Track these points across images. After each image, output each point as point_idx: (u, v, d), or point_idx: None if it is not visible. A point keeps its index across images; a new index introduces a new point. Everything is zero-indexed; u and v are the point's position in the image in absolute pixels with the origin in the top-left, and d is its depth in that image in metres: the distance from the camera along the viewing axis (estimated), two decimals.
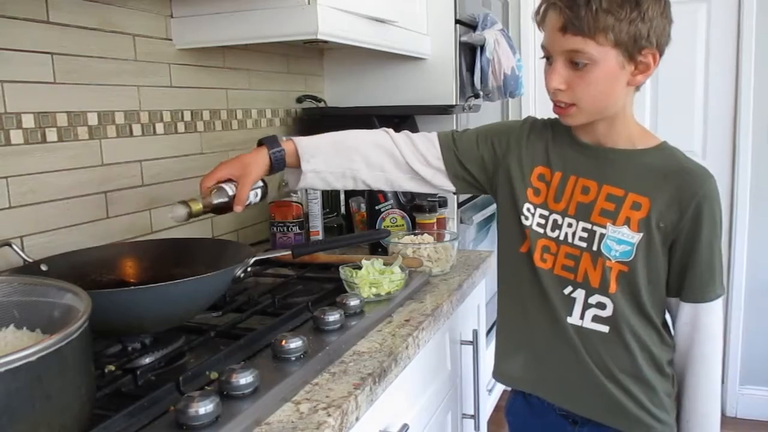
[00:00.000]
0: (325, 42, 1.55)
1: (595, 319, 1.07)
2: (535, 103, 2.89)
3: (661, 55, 1.01)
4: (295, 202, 1.61)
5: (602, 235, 1.04)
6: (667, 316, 1.10)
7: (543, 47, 1.03)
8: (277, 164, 1.14)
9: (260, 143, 1.15)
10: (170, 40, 1.49)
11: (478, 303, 1.67)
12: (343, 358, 1.02)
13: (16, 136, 1.13)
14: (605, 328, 1.06)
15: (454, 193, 1.29)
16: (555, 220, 1.09)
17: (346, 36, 1.52)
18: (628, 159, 1.05)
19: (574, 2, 0.96)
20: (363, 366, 0.99)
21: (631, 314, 1.05)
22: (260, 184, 1.16)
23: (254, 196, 1.15)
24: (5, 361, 0.55)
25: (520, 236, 1.12)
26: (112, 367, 0.91)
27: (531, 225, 1.10)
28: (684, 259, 1.04)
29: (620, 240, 1.03)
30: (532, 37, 2.82)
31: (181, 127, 1.53)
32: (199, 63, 1.58)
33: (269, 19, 1.42)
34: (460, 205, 2.09)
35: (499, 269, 1.20)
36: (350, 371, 0.97)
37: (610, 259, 1.04)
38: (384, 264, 1.33)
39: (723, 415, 2.85)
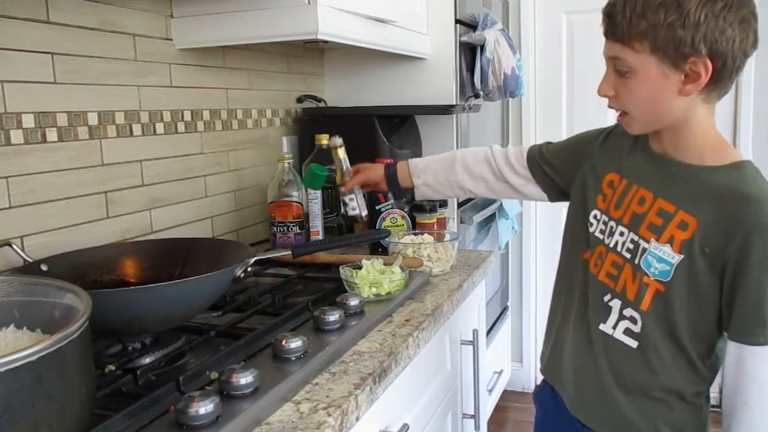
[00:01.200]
0: (326, 42, 1.55)
1: (627, 332, 1.03)
2: (536, 103, 2.89)
3: (721, 64, 0.91)
4: (296, 202, 1.61)
5: (644, 250, 1.00)
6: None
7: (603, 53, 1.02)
8: (389, 177, 1.39)
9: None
10: (170, 40, 1.49)
11: (478, 303, 1.67)
12: (344, 358, 1.02)
13: (16, 136, 1.13)
14: (634, 344, 1.03)
15: (550, 201, 1.29)
16: (611, 227, 1.06)
17: (346, 36, 1.52)
18: (689, 174, 0.98)
19: (614, 8, 0.94)
20: (363, 366, 0.99)
21: (660, 336, 1.00)
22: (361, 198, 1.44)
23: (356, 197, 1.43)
24: (5, 361, 0.55)
25: (584, 242, 1.11)
26: (112, 367, 0.91)
27: (594, 231, 1.09)
28: (731, 292, 0.95)
29: (660, 258, 0.98)
30: (532, 37, 2.82)
31: (181, 127, 1.53)
32: (200, 63, 1.58)
33: (269, 19, 1.42)
34: (460, 205, 2.10)
35: (559, 270, 1.20)
36: (350, 371, 0.97)
37: (648, 275, 0.99)
38: (384, 264, 1.33)
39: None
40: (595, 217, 1.09)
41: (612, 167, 1.10)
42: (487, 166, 1.32)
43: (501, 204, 2.37)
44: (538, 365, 1.26)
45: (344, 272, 1.28)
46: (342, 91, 2.16)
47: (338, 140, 1.43)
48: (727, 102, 2.69)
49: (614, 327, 1.05)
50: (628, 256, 1.02)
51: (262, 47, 1.79)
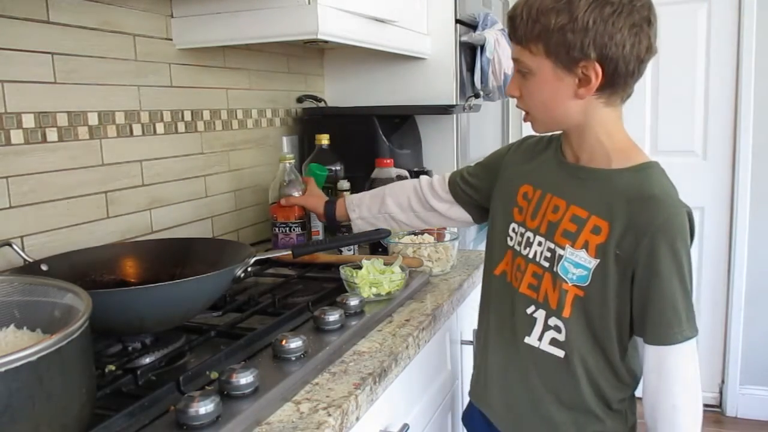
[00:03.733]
0: (326, 42, 1.55)
1: (553, 342, 1.02)
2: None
3: (612, 68, 0.92)
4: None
5: (560, 256, 1.00)
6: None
7: None
8: (328, 213, 1.44)
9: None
10: (170, 39, 1.49)
11: (478, 303, 1.66)
12: (344, 358, 1.02)
13: (16, 135, 1.13)
14: (561, 353, 1.02)
15: (476, 223, 1.30)
16: (528, 238, 1.06)
17: (346, 36, 1.51)
18: (597, 179, 0.99)
19: (515, 11, 0.97)
20: (363, 366, 0.99)
21: (584, 343, 1.00)
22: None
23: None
24: (6, 361, 0.55)
25: (501, 257, 1.12)
26: (112, 367, 0.91)
27: (513, 244, 1.09)
28: (643, 295, 0.95)
29: (577, 264, 0.98)
30: None
31: (181, 127, 1.53)
32: (200, 63, 1.58)
33: (269, 19, 1.42)
34: None
35: (482, 288, 1.20)
36: (350, 371, 0.97)
37: (566, 282, 0.99)
38: (384, 264, 1.33)
39: (723, 415, 2.85)
40: (513, 230, 1.09)
41: (525, 179, 1.10)
42: (414, 196, 1.34)
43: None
44: None
45: (344, 272, 1.28)
46: (342, 91, 2.16)
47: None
48: (727, 102, 2.70)
49: (540, 338, 1.04)
50: (547, 264, 1.02)
51: (262, 47, 1.79)
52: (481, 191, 1.24)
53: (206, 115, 1.61)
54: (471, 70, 2.12)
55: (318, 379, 0.95)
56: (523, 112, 1.05)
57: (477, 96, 2.11)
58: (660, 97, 2.76)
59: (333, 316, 1.09)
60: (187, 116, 1.55)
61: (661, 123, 2.78)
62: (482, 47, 2.07)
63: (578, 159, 1.03)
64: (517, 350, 1.07)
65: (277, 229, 1.54)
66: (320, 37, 1.39)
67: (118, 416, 0.78)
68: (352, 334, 1.09)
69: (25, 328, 0.74)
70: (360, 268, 1.30)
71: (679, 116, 2.76)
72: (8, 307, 0.75)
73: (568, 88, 0.95)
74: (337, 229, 1.53)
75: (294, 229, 1.53)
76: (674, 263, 0.93)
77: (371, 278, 1.26)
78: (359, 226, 1.40)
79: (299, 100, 2.02)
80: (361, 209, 1.39)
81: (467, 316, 1.54)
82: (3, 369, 0.55)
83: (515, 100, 1.05)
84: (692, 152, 2.79)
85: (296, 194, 1.52)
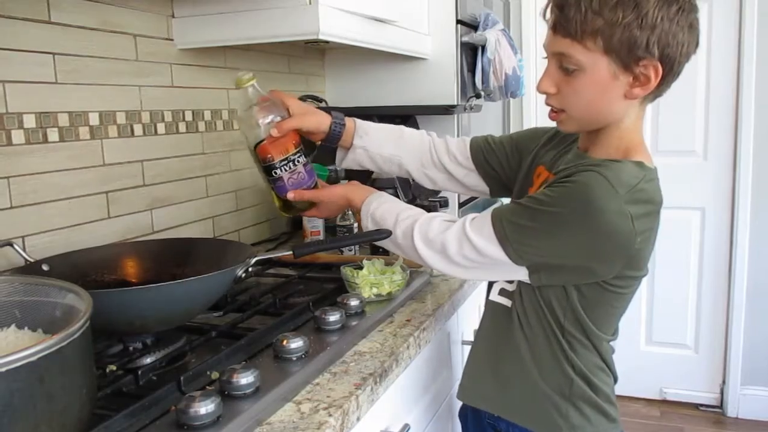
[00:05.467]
0: (327, 42, 1.55)
1: (502, 292, 1.10)
2: (537, 103, 2.89)
3: (669, 68, 0.91)
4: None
5: None
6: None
7: (543, 47, 1.00)
8: (333, 134, 1.19)
9: (327, 111, 1.20)
10: (171, 40, 1.49)
11: (479, 303, 1.66)
12: (345, 358, 1.02)
13: (17, 136, 1.13)
14: (508, 303, 1.08)
15: (491, 196, 1.28)
16: None
17: (347, 36, 1.51)
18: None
19: (567, 1, 0.90)
20: (364, 366, 0.99)
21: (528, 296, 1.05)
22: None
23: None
24: (6, 361, 0.55)
25: None
26: (113, 367, 0.91)
27: None
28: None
29: None
30: (534, 37, 2.82)
31: (182, 127, 1.53)
32: (201, 63, 1.58)
33: (270, 20, 1.42)
34: (461, 205, 2.09)
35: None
36: (351, 371, 0.97)
37: None
38: (385, 264, 1.33)
39: (724, 415, 2.84)
40: None
41: (544, 161, 1.10)
42: (427, 153, 1.26)
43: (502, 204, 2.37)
44: None
45: (345, 272, 1.28)
46: (343, 91, 2.16)
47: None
48: (728, 101, 2.69)
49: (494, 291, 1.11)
50: None
51: (263, 47, 1.79)
52: (506, 166, 1.21)
53: (207, 115, 1.61)
54: (472, 70, 2.12)
55: (319, 380, 0.95)
56: (549, 110, 1.00)
57: (478, 96, 2.11)
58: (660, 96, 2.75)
59: (334, 317, 1.09)
60: (188, 116, 1.55)
61: (661, 123, 2.77)
62: (483, 47, 2.06)
63: (587, 149, 1.02)
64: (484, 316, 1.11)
65: (277, 171, 1.13)
66: (321, 37, 1.39)
67: (119, 416, 0.78)
68: (353, 335, 1.09)
69: (26, 328, 0.74)
70: (361, 268, 1.30)
71: (679, 116, 2.76)
72: (9, 307, 0.75)
73: (621, 87, 0.92)
74: (314, 152, 1.28)
75: (299, 162, 1.15)
76: (548, 196, 0.93)
77: (372, 278, 1.26)
78: (358, 157, 1.23)
79: (301, 100, 2.02)
80: (371, 140, 1.22)
81: (468, 316, 1.54)
82: (4, 369, 0.55)
83: (536, 96, 1.03)
84: (693, 152, 2.78)
85: (279, 119, 1.13)
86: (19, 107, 1.14)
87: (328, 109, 1.23)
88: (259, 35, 1.45)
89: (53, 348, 0.59)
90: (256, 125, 1.12)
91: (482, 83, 2.10)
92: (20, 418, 0.57)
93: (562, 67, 0.94)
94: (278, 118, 1.12)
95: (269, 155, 1.12)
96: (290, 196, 1.15)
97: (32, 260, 1.06)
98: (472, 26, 2.12)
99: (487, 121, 2.46)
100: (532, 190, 1.08)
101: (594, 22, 0.88)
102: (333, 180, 1.68)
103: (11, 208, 1.13)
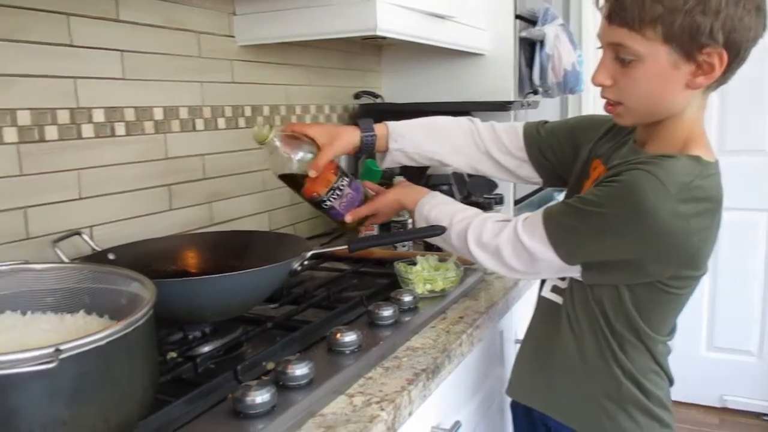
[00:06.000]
0: (384, 38, 1.55)
1: (554, 289, 1.08)
2: (595, 99, 2.82)
3: (734, 54, 0.86)
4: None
5: None
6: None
7: (597, 37, 0.96)
8: (366, 147, 1.18)
9: (355, 123, 1.19)
10: (233, 37, 1.52)
11: (534, 301, 1.64)
12: (397, 354, 1.03)
13: (87, 130, 1.18)
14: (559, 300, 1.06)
15: (543, 186, 1.26)
16: None
17: (404, 32, 1.52)
18: None
19: None
20: (416, 362, 0.99)
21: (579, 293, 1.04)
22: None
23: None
24: (77, 345, 0.58)
25: None
26: (173, 354, 0.94)
27: None
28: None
29: None
30: (594, 32, 2.76)
31: (242, 122, 1.56)
32: (260, 59, 1.61)
33: (329, 16, 1.43)
34: (516, 202, 2.07)
35: None
36: (404, 366, 0.98)
37: None
38: (439, 260, 1.32)
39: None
40: None
41: (600, 153, 1.06)
42: (471, 144, 1.22)
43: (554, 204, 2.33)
44: None
45: (399, 268, 1.28)
46: (399, 87, 2.17)
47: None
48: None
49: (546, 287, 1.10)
50: None
51: (321, 44, 1.81)
52: (561, 156, 1.18)
53: (266, 110, 1.64)
54: (530, 66, 2.09)
55: (371, 374, 0.95)
56: (604, 102, 0.98)
57: (535, 92, 2.08)
58: (728, 91, 2.65)
59: (387, 312, 1.10)
60: (248, 111, 1.58)
61: (728, 121, 2.67)
62: (542, 43, 2.03)
63: (644, 144, 0.99)
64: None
65: (327, 203, 1.16)
66: (379, 33, 1.40)
67: (179, 402, 0.80)
68: (406, 330, 1.09)
69: (94, 314, 0.77)
70: (414, 264, 1.30)
71: (748, 113, 2.65)
72: (79, 293, 0.79)
73: (682, 77, 0.88)
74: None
75: (344, 186, 1.16)
76: (599, 192, 0.91)
77: (425, 275, 1.26)
78: (395, 159, 1.21)
79: (356, 96, 2.03)
80: (405, 141, 1.20)
81: (522, 315, 1.52)
82: (74, 352, 0.57)
83: (592, 89, 0.99)
84: (762, 151, 2.67)
85: (310, 156, 1.12)
86: (89, 102, 1.18)
87: (355, 121, 1.22)
88: (317, 31, 1.47)
89: (119, 334, 0.62)
90: (288, 167, 1.13)
91: (540, 79, 2.07)
92: (89, 399, 0.60)
93: (618, 57, 0.91)
94: (309, 155, 1.12)
95: (315, 193, 1.15)
96: (348, 219, 1.17)
97: (99, 249, 1.10)
98: (531, 21, 2.08)
99: (545, 117, 2.42)
100: (589, 183, 1.06)
101: (653, 10, 0.85)
102: (388, 176, 1.68)
103: (80, 199, 1.18)
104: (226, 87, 1.51)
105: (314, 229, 1.84)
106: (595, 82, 0.95)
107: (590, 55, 2.74)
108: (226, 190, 1.52)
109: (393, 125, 1.21)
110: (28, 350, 0.56)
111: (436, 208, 1.10)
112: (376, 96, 2.07)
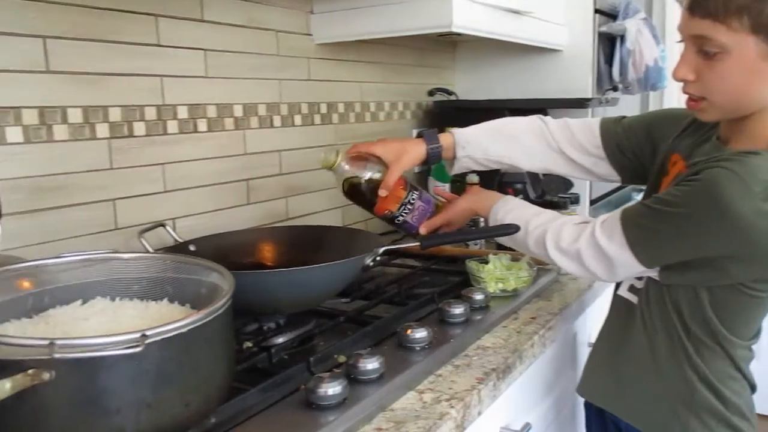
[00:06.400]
0: (459, 34, 1.54)
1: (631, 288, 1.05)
2: (679, 96, 2.71)
3: None
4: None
5: None
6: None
7: (678, 29, 0.92)
8: (432, 159, 1.17)
9: (419, 135, 1.19)
10: (310, 35, 1.55)
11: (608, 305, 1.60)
12: (467, 352, 1.02)
13: (172, 126, 1.23)
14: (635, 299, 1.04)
15: (622, 184, 1.22)
16: None
17: (480, 28, 1.50)
18: None
19: None
20: (487, 361, 0.99)
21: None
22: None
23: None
24: (161, 331, 0.60)
25: None
26: (249, 344, 0.97)
27: None
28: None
29: None
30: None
31: (317, 119, 1.59)
32: (336, 57, 1.64)
33: (405, 13, 1.44)
34: (593, 202, 2.02)
35: None
36: (474, 365, 0.97)
37: None
38: (511, 260, 1.31)
39: None
40: None
41: (680, 149, 1.02)
42: (543, 144, 1.18)
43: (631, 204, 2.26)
44: None
45: (471, 266, 1.27)
46: (473, 84, 2.15)
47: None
48: None
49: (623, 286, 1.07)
50: None
51: (395, 41, 1.82)
52: (640, 152, 1.14)
53: (341, 107, 1.67)
54: (609, 62, 2.03)
55: (441, 371, 0.95)
56: (687, 98, 0.94)
57: (615, 89, 2.02)
58: None
59: (458, 309, 1.10)
60: (323, 109, 1.61)
61: None
62: (622, 38, 1.97)
63: (728, 140, 0.94)
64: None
65: (400, 218, 1.17)
66: (454, 29, 1.39)
67: (254, 390, 0.82)
68: (477, 329, 1.09)
69: (176, 302, 0.80)
70: (487, 262, 1.29)
71: None
72: (163, 282, 0.82)
73: None
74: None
75: (414, 199, 1.16)
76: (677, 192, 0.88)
77: (498, 273, 1.25)
78: (464, 165, 1.20)
79: (430, 93, 2.03)
80: (473, 148, 1.18)
81: (597, 317, 1.48)
82: (159, 338, 0.60)
83: (675, 84, 0.95)
84: None
85: (378, 175, 1.13)
86: (174, 99, 1.23)
87: (420, 133, 1.20)
88: (393, 29, 1.48)
89: (200, 322, 0.64)
90: (365, 197, 1.15)
91: (620, 75, 2.01)
92: (171, 383, 0.63)
93: (701, 50, 0.87)
94: (377, 174, 1.13)
95: (387, 211, 1.16)
96: (422, 231, 1.16)
97: (181, 240, 1.15)
98: (611, 16, 2.02)
99: (624, 114, 2.35)
100: (667, 180, 1.02)
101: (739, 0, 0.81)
102: (460, 175, 1.67)
103: (164, 192, 1.23)
104: (302, 84, 1.54)
105: (387, 226, 1.84)
106: (676, 77, 0.92)
107: (675, 50, 2.63)
108: (302, 185, 1.56)
109: (459, 132, 1.19)
110: (117, 334, 0.59)
111: (510, 213, 1.09)
112: (450, 93, 2.07)
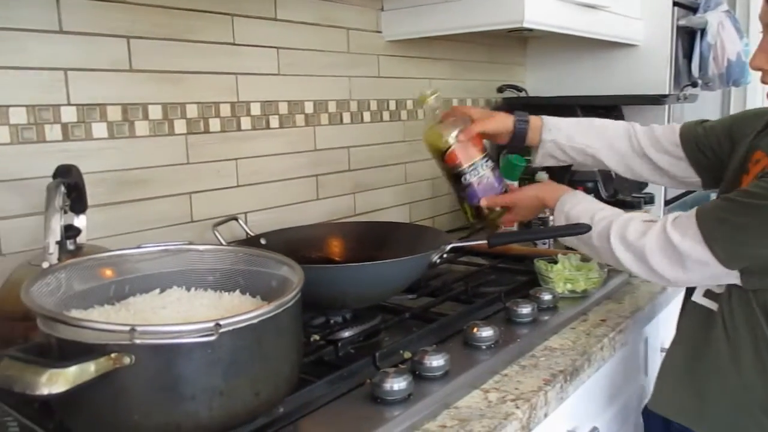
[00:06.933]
0: (530, 30, 1.52)
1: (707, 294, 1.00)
2: (763, 93, 2.57)
3: None
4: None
5: None
6: None
7: (759, 19, 0.89)
8: (518, 134, 1.18)
9: (511, 113, 1.20)
10: (380, 32, 1.56)
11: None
12: (534, 352, 1.01)
13: (245, 122, 1.27)
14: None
15: (703, 188, 1.18)
16: None
17: (552, 23, 1.48)
18: None
19: None
20: (554, 362, 0.97)
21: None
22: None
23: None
24: (233, 321, 0.62)
25: None
26: (316, 337, 0.99)
27: None
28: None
29: None
30: None
31: (386, 115, 1.60)
32: (405, 54, 1.64)
33: (475, 9, 1.43)
34: (667, 202, 1.95)
35: None
36: (541, 366, 0.96)
37: None
38: (581, 260, 1.28)
39: None
40: None
41: (763, 146, 0.96)
42: (626, 141, 1.17)
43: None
44: None
45: (539, 265, 1.25)
46: (544, 81, 2.11)
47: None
48: None
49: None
50: None
51: (465, 37, 1.81)
52: (719, 152, 1.10)
53: (409, 104, 1.67)
54: (688, 56, 1.96)
55: (507, 371, 0.95)
56: (767, 90, 0.91)
57: (694, 85, 1.94)
58: None
59: (525, 309, 1.08)
60: (392, 105, 1.62)
61: None
62: (703, 31, 1.89)
63: None
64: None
65: (466, 177, 1.15)
66: (525, 25, 1.38)
67: (320, 382, 0.84)
68: (544, 329, 1.07)
69: (247, 294, 0.82)
70: (555, 262, 1.27)
71: None
72: (235, 274, 0.85)
73: None
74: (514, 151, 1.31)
75: (486, 167, 1.17)
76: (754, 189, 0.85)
77: (567, 274, 1.23)
78: (548, 150, 1.20)
79: (500, 89, 2.01)
80: (560, 133, 1.19)
81: (670, 321, 1.43)
82: (232, 327, 0.62)
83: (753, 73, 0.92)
84: None
85: (461, 126, 1.16)
86: (248, 96, 1.27)
87: (510, 111, 1.21)
88: (463, 25, 1.47)
89: (271, 313, 0.66)
90: (441, 139, 1.15)
91: (699, 70, 1.93)
92: (242, 372, 0.65)
93: None
94: (460, 126, 1.15)
95: (458, 161, 1.15)
96: (483, 203, 1.15)
97: (252, 234, 1.18)
98: (691, 8, 1.95)
99: (704, 112, 2.26)
100: (747, 179, 0.97)
101: None
102: (531, 171, 1.65)
103: (238, 186, 1.27)
104: (372, 81, 1.55)
105: (454, 223, 1.84)
106: (753, 66, 0.89)
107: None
108: (370, 181, 1.57)
109: (548, 117, 1.20)
110: (193, 323, 0.61)
111: (577, 206, 1.06)
112: (519, 90, 2.04)
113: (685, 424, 1.01)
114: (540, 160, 1.22)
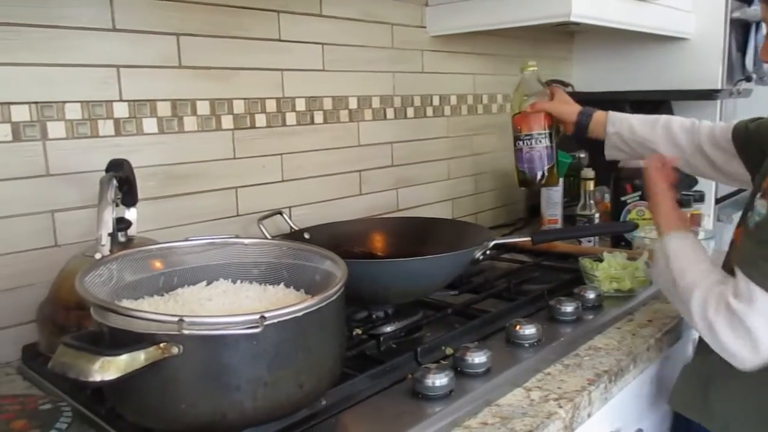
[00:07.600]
0: (577, 24, 1.49)
1: None
2: None
3: None
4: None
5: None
6: None
7: None
8: (580, 124, 1.24)
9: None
10: (424, 27, 1.56)
11: None
12: (578, 351, 1.00)
13: (290, 118, 1.28)
14: None
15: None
16: None
17: (600, 17, 1.45)
18: None
19: None
20: (599, 362, 0.96)
21: None
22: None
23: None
24: (279, 314, 0.63)
25: None
26: (359, 331, 0.99)
27: None
28: None
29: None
30: None
31: (429, 111, 1.60)
32: (449, 49, 1.63)
33: (521, 3, 1.41)
34: (718, 201, 1.89)
35: None
36: (585, 365, 0.95)
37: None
38: (628, 258, 1.26)
39: None
40: None
41: None
42: (688, 135, 1.16)
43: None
44: None
45: (584, 263, 1.23)
46: (592, 75, 2.08)
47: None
48: None
49: None
50: None
51: (510, 32, 1.79)
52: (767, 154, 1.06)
53: (453, 100, 1.66)
54: (742, 50, 1.90)
55: (550, 369, 0.94)
56: None
57: (748, 79, 1.89)
58: None
59: (569, 308, 1.07)
60: (436, 101, 1.61)
61: None
62: (758, 24, 1.83)
63: None
64: None
65: (520, 142, 1.29)
66: (573, 19, 1.35)
67: (363, 376, 0.85)
68: (588, 328, 1.05)
69: (291, 287, 0.83)
70: (601, 260, 1.24)
71: None
72: (279, 268, 0.86)
73: None
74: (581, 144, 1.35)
75: (540, 141, 1.27)
76: None
77: (613, 272, 1.20)
78: (613, 143, 1.23)
79: (545, 85, 1.98)
80: (623, 126, 1.21)
81: None
82: (276, 320, 0.63)
83: None
84: None
85: (536, 99, 1.27)
86: (293, 92, 1.28)
87: (584, 105, 1.26)
88: (509, 20, 1.46)
89: (315, 307, 0.67)
90: (517, 103, 1.29)
91: (754, 65, 1.87)
92: (286, 364, 0.66)
93: None
94: (536, 98, 1.26)
95: (518, 127, 1.28)
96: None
97: (296, 228, 1.20)
98: (746, 0, 1.88)
99: (758, 108, 2.18)
100: None
101: None
102: (576, 167, 1.63)
103: (282, 181, 1.29)
104: (415, 77, 1.55)
105: (496, 219, 1.83)
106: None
107: None
108: (413, 177, 1.57)
109: (613, 112, 1.23)
110: (238, 315, 0.63)
111: (681, 255, 0.99)
112: (566, 84, 1.99)
113: (707, 426, 0.98)
114: (609, 153, 1.25)
